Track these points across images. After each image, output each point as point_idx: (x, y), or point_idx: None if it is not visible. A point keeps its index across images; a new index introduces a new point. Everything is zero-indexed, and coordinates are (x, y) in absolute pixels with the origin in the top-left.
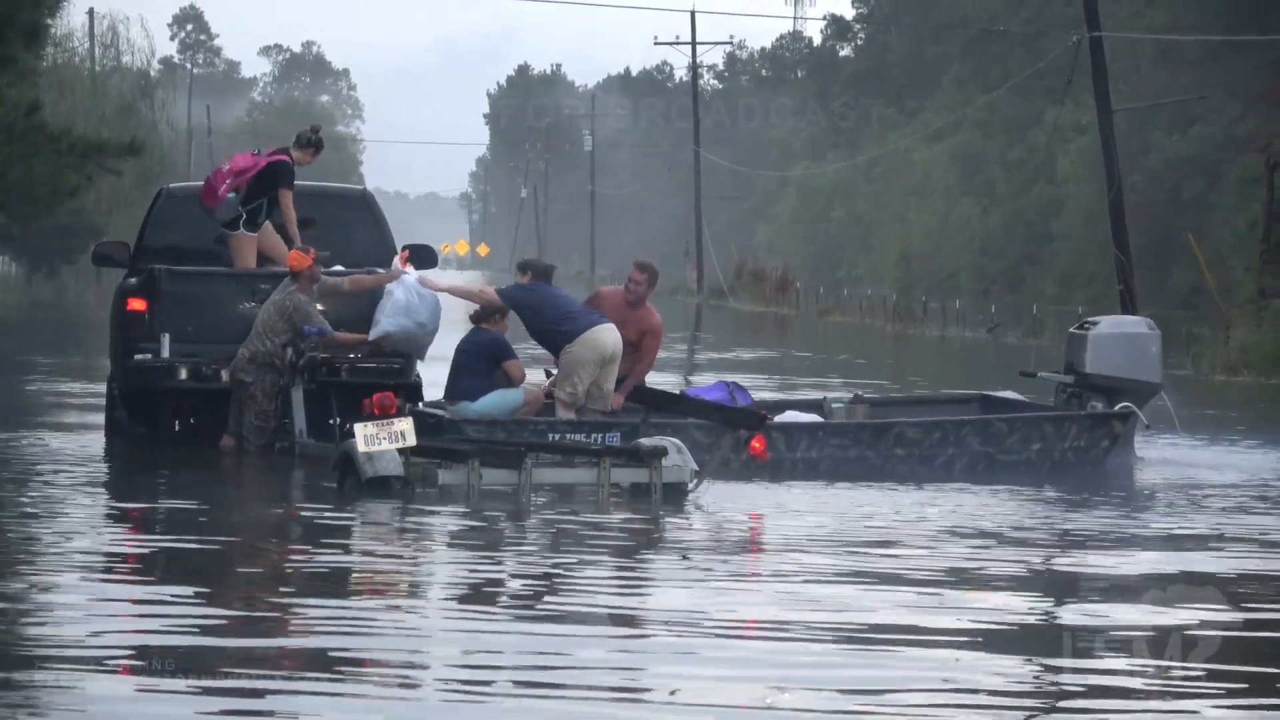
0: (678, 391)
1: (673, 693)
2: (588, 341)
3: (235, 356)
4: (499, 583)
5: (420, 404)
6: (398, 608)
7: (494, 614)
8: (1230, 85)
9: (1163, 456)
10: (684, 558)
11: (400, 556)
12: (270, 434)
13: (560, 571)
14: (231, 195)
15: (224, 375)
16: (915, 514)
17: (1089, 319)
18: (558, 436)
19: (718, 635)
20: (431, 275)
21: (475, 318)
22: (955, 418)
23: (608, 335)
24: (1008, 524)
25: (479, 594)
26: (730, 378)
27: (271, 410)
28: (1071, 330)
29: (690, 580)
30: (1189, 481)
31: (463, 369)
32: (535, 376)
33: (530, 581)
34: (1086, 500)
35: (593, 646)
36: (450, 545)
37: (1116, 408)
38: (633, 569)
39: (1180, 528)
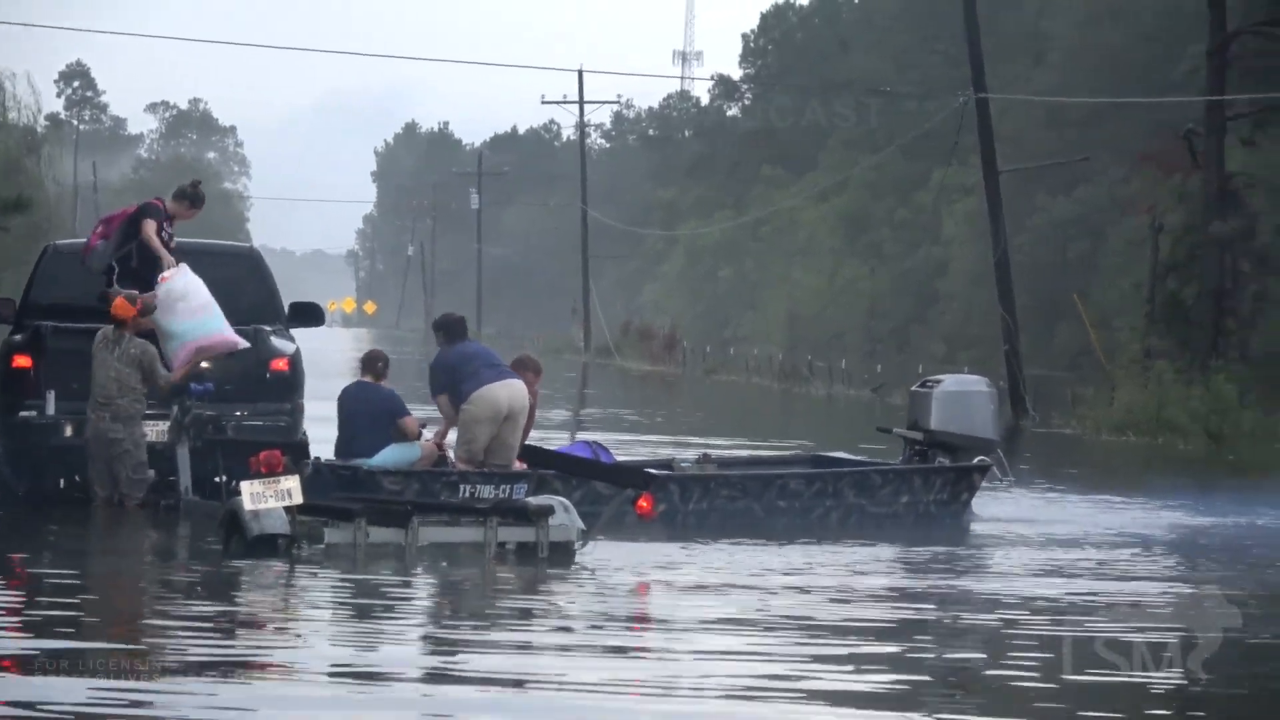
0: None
1: None
2: (485, 397)
3: (89, 422)
4: (380, 642)
5: (321, 459)
6: (282, 667)
7: (377, 671)
8: (1115, 147)
9: (1005, 511)
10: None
11: (285, 615)
12: (148, 486)
13: (442, 631)
14: (101, 242)
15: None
16: (800, 569)
17: (930, 378)
18: (469, 488)
19: (602, 695)
20: (427, 434)
21: (363, 370)
22: (834, 470)
23: (501, 392)
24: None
25: (360, 654)
26: (591, 436)
27: (145, 460)
28: (914, 389)
29: (571, 641)
30: (1026, 534)
31: (357, 426)
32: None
33: (411, 642)
34: (940, 553)
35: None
36: (334, 604)
37: (975, 461)
38: (513, 630)
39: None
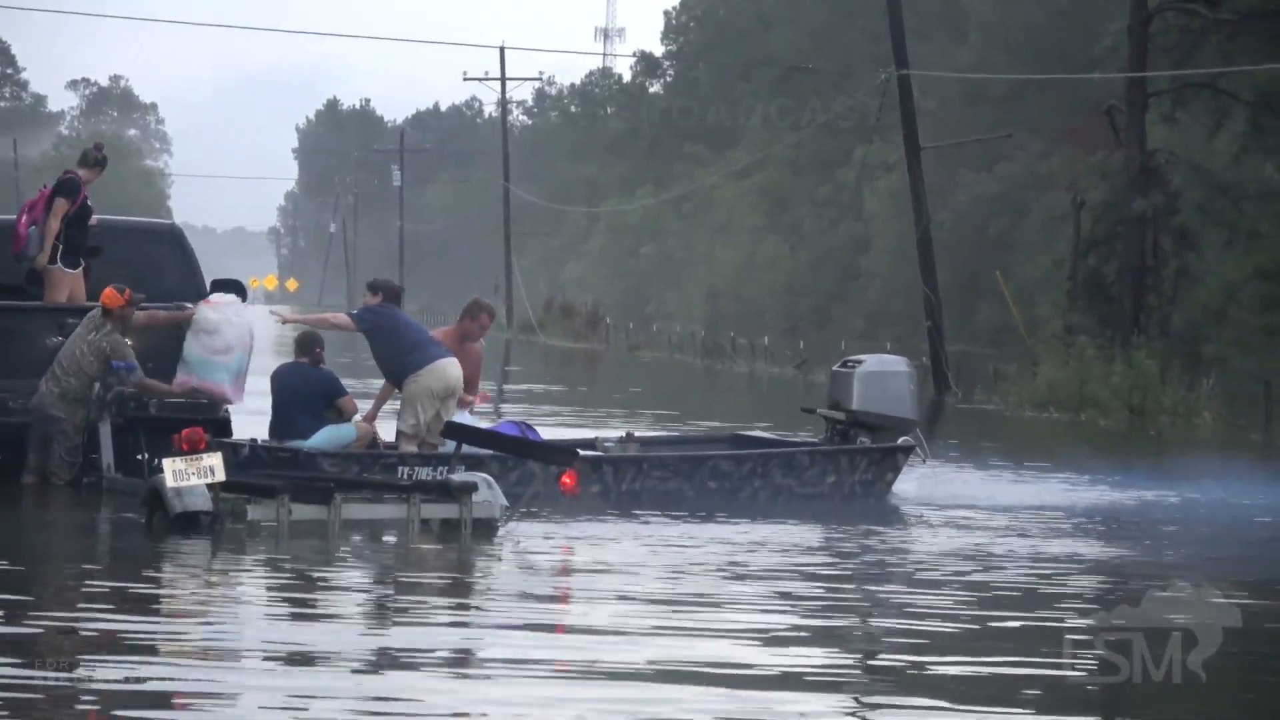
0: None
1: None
2: (435, 372)
3: (38, 391)
4: (306, 617)
5: (258, 440)
6: (206, 647)
7: (309, 650)
8: (1035, 123)
9: (925, 488)
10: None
11: (208, 592)
12: (78, 468)
13: (368, 606)
14: (32, 228)
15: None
16: (713, 548)
17: (851, 358)
18: (409, 471)
19: (525, 671)
20: (282, 310)
21: (299, 352)
22: (763, 451)
23: (453, 369)
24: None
25: (289, 628)
26: (517, 413)
27: (80, 444)
28: (835, 368)
29: (493, 617)
30: (944, 509)
31: (293, 407)
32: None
33: (338, 618)
34: (868, 530)
35: (422, 681)
36: (257, 581)
37: (899, 441)
38: (442, 604)
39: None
